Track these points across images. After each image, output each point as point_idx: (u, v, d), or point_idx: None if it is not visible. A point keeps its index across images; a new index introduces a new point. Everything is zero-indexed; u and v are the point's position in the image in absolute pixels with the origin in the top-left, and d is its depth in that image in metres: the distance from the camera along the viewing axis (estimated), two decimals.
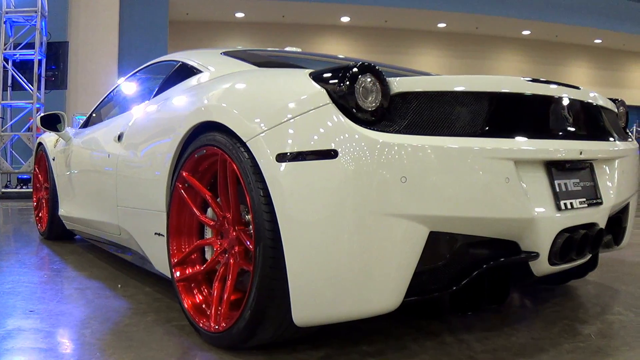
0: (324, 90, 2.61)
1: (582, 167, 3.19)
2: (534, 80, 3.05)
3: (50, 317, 3.57)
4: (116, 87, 5.90)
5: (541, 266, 2.93)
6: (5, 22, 13.97)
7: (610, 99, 3.76)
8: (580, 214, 3.05)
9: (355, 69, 2.58)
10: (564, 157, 3.04)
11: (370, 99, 2.57)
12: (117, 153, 4.30)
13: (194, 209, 3.34)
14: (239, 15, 26.47)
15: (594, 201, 3.18)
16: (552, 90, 3.11)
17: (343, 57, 5.41)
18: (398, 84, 2.64)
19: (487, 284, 3.00)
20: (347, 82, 2.56)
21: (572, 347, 3.09)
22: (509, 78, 3.02)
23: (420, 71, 4.77)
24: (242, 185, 2.82)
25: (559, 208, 2.92)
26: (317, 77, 2.71)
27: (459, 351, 3.01)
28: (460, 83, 2.79)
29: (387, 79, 2.63)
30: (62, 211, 5.99)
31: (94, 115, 5.92)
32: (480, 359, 2.93)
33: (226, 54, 4.13)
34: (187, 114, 3.32)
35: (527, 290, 4.21)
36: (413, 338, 3.18)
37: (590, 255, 3.34)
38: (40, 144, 6.89)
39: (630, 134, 3.96)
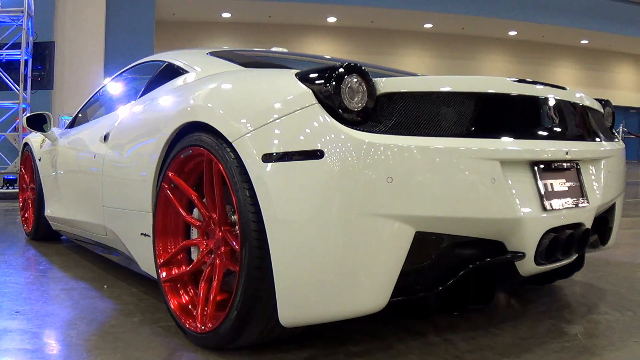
0: (310, 91, 2.61)
1: (568, 168, 3.20)
2: (520, 81, 3.06)
3: (37, 318, 3.56)
4: (102, 87, 5.89)
5: (527, 266, 2.94)
6: None
7: (596, 100, 3.78)
8: (567, 214, 3.06)
9: (341, 70, 2.58)
10: (550, 158, 3.05)
11: (356, 99, 2.57)
12: (103, 153, 4.29)
13: (180, 210, 3.34)
14: (226, 15, 26.48)
15: (580, 201, 3.19)
16: (538, 90, 3.12)
17: (329, 58, 5.41)
18: (384, 85, 2.64)
19: (473, 284, 3.01)
20: (333, 83, 2.56)
21: (558, 346, 3.09)
22: (495, 78, 3.02)
23: (407, 72, 4.78)
24: (228, 185, 2.82)
25: (544, 208, 2.93)
26: (303, 78, 2.71)
27: (445, 351, 3.02)
28: (446, 83, 2.80)
29: (373, 79, 2.63)
30: (48, 212, 5.97)
31: (80, 115, 5.90)
32: (466, 358, 2.93)
33: (212, 54, 4.13)
34: (173, 114, 3.31)
35: (513, 290, 4.21)
36: (399, 338, 3.19)
37: (577, 255, 3.35)
38: (26, 144, 6.87)
39: (616, 134, 3.97)
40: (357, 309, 2.58)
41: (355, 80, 2.59)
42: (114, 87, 5.62)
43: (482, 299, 3.12)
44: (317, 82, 2.63)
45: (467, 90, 2.82)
